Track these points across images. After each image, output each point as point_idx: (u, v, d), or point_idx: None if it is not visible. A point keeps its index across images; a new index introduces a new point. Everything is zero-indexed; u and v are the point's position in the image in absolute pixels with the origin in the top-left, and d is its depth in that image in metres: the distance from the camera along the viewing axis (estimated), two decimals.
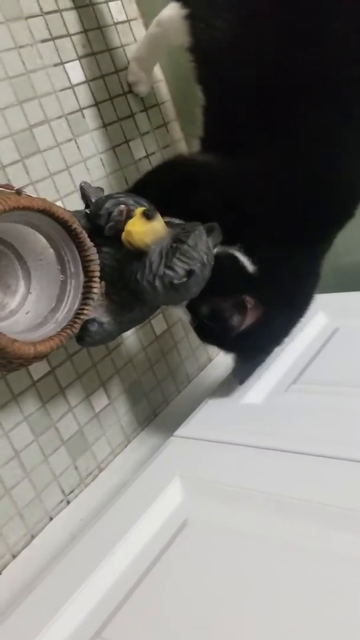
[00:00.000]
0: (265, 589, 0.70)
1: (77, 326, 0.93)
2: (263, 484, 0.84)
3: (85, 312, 0.95)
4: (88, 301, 0.96)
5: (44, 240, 0.96)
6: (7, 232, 0.93)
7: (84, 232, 0.93)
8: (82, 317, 0.94)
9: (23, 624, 0.74)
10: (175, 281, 0.90)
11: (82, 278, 0.96)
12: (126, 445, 1.27)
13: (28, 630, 0.72)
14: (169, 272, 0.89)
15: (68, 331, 0.92)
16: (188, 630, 0.68)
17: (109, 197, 1.01)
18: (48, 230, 0.93)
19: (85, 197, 1.08)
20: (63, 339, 0.91)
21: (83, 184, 1.08)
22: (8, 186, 0.92)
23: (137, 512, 0.85)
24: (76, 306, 0.95)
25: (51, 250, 0.97)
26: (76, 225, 0.91)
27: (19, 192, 0.88)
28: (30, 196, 0.87)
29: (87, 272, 0.95)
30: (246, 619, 0.67)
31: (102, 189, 1.16)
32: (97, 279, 0.95)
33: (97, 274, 0.95)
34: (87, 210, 1.04)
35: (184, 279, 0.90)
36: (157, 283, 0.91)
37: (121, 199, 0.99)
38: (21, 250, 0.96)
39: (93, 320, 0.96)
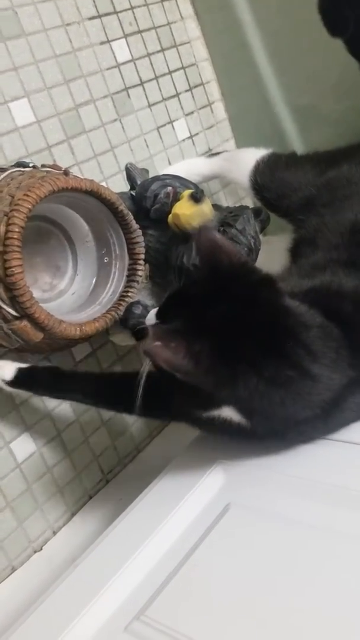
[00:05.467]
0: (307, 575, 0.69)
1: (122, 308, 0.93)
2: (305, 471, 0.83)
3: (129, 294, 0.95)
4: (132, 284, 0.96)
5: (86, 224, 0.96)
6: (56, 213, 0.94)
7: (130, 214, 0.92)
8: (126, 299, 0.94)
9: (66, 600, 0.75)
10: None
11: (127, 260, 0.96)
12: (164, 428, 1.27)
13: (71, 608, 0.73)
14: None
15: (113, 313, 0.93)
16: (230, 613, 0.68)
17: (155, 178, 1.00)
18: (94, 212, 0.93)
19: (130, 178, 1.07)
20: (108, 321, 0.91)
21: (129, 165, 1.07)
22: (55, 167, 0.93)
23: (179, 494, 0.85)
24: (121, 288, 0.96)
25: (95, 233, 0.98)
26: (123, 207, 0.91)
27: (66, 172, 0.88)
28: (78, 177, 0.87)
29: (132, 254, 0.95)
30: (288, 604, 0.67)
31: (147, 170, 1.15)
32: (142, 262, 0.95)
33: (142, 256, 0.95)
34: (133, 192, 1.03)
35: None
36: None
37: (167, 181, 0.99)
38: (70, 232, 0.97)
39: (137, 302, 0.96)
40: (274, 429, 0.79)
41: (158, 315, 0.77)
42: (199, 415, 0.80)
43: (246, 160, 1.14)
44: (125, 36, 1.22)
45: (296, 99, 1.34)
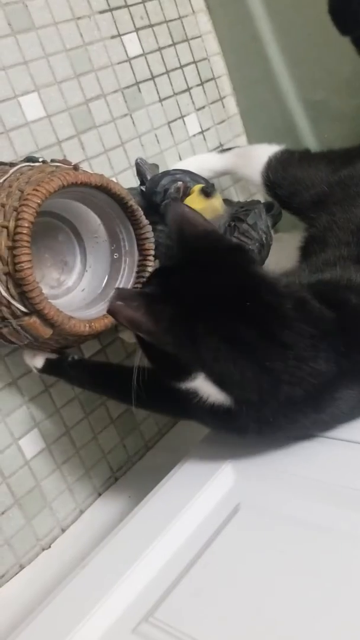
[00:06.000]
0: (319, 578, 0.68)
1: None
2: (316, 472, 0.82)
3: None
4: (142, 280, 0.95)
5: (98, 218, 0.95)
6: (65, 209, 0.93)
7: (139, 209, 0.91)
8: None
9: (73, 601, 0.74)
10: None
11: (136, 256, 0.95)
12: (173, 426, 1.26)
13: (78, 608, 0.72)
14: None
15: None
16: (240, 616, 0.67)
17: (165, 173, 0.99)
18: (104, 207, 0.92)
19: (140, 173, 1.06)
20: None
21: (139, 160, 1.06)
22: (65, 162, 0.92)
23: (188, 494, 0.84)
24: (130, 285, 0.95)
25: (105, 228, 0.97)
26: (132, 202, 0.90)
27: (76, 167, 0.87)
28: (87, 172, 0.86)
29: (142, 250, 0.94)
30: (299, 607, 0.66)
31: (157, 165, 1.14)
32: (151, 258, 0.94)
33: (152, 252, 0.94)
34: (143, 188, 1.02)
35: None
36: None
37: (178, 176, 0.98)
38: (79, 228, 0.96)
39: None
40: (256, 408, 0.76)
41: (142, 286, 0.79)
42: (177, 386, 0.78)
43: (258, 156, 1.12)
44: (137, 30, 1.21)
45: (308, 93, 1.33)
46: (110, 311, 0.71)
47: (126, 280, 0.95)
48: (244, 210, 0.88)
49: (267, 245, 0.88)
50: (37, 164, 0.89)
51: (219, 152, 1.27)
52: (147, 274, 0.95)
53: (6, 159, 0.98)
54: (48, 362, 0.95)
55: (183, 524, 0.80)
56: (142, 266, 0.95)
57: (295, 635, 0.63)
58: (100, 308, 0.94)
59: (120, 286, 0.95)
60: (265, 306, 0.74)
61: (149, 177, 1.03)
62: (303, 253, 1.00)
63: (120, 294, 0.72)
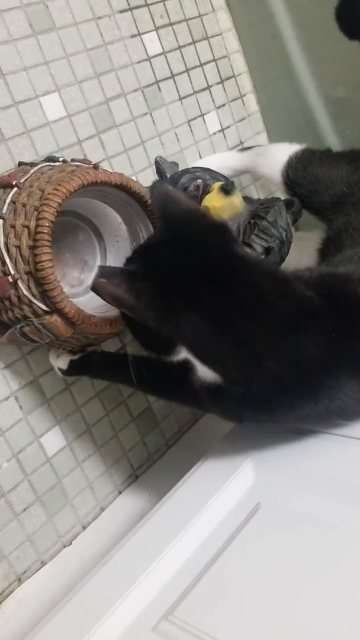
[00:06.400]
0: (339, 579, 0.68)
1: None
2: (338, 472, 0.81)
3: None
4: None
5: (119, 217, 0.96)
6: (85, 208, 0.93)
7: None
8: None
9: (94, 598, 0.74)
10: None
11: None
12: (194, 424, 1.26)
13: (99, 606, 0.72)
14: (246, 249, 0.87)
15: None
16: (260, 615, 0.67)
17: (184, 171, 0.99)
18: (124, 206, 0.93)
19: (160, 172, 1.06)
20: None
21: (158, 159, 1.06)
22: (85, 161, 0.92)
23: (208, 492, 0.84)
24: None
25: (125, 227, 0.97)
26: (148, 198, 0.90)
27: (96, 166, 0.88)
28: (107, 171, 0.86)
29: None
30: (319, 608, 0.65)
31: (176, 164, 1.14)
32: None
33: None
34: None
35: (262, 257, 0.87)
36: None
37: (197, 174, 0.98)
38: (99, 227, 0.96)
39: None
40: (243, 385, 0.76)
41: (124, 264, 0.80)
42: (164, 354, 0.80)
43: (279, 155, 1.12)
44: (156, 29, 1.21)
45: (330, 90, 1.31)
46: (94, 288, 0.73)
47: None
48: (264, 208, 0.87)
49: (287, 242, 0.88)
50: (57, 163, 0.89)
51: (239, 151, 1.27)
52: None
53: (27, 158, 0.99)
54: (72, 363, 0.95)
55: (203, 523, 0.80)
56: None
57: (314, 634, 0.63)
58: None
59: None
60: (244, 283, 0.74)
61: (168, 176, 1.03)
62: (321, 255, 1.00)
63: (103, 271, 0.74)
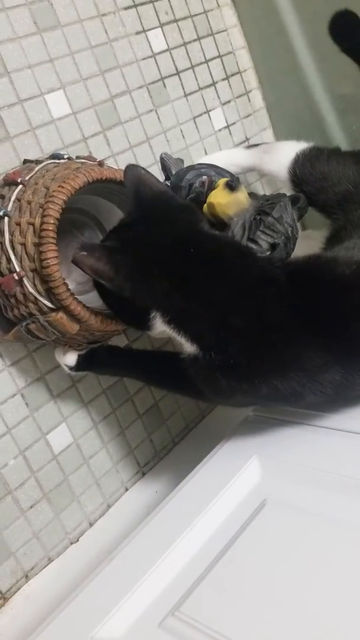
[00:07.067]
0: (347, 575, 0.68)
1: None
2: (344, 468, 0.81)
3: None
4: None
5: (123, 213, 0.96)
6: (91, 205, 0.93)
7: None
8: None
9: (101, 594, 0.75)
10: (259, 255, 0.87)
11: None
12: (200, 421, 1.26)
13: (105, 601, 0.73)
14: (252, 245, 0.87)
15: None
16: (266, 611, 0.67)
17: (190, 168, 0.99)
18: (128, 202, 0.92)
19: (165, 168, 1.06)
20: None
21: (163, 155, 1.06)
22: (90, 158, 0.92)
23: (215, 489, 0.84)
24: None
25: None
26: None
27: (101, 163, 0.88)
28: (112, 168, 0.86)
29: None
30: (325, 604, 0.65)
31: (182, 160, 1.13)
32: None
33: None
34: (168, 183, 1.02)
35: (267, 253, 0.87)
36: None
37: (203, 170, 0.97)
38: (104, 223, 0.96)
39: None
40: (217, 349, 0.80)
41: (101, 241, 0.87)
42: (140, 327, 0.85)
43: (286, 152, 1.12)
44: (161, 25, 1.21)
45: (336, 86, 1.31)
46: (74, 260, 0.78)
47: None
48: (269, 204, 0.87)
49: (293, 238, 0.88)
50: (62, 161, 0.89)
51: (245, 148, 1.26)
52: None
53: (33, 156, 0.99)
54: (80, 358, 0.96)
55: (209, 519, 0.80)
56: None
57: (321, 629, 0.63)
58: None
59: None
60: (208, 251, 0.81)
61: (174, 172, 1.02)
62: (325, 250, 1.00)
63: (84, 246, 0.78)
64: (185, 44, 1.25)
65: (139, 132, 1.16)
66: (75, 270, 0.97)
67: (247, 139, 1.38)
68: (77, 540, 1.07)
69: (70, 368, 0.96)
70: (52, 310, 0.83)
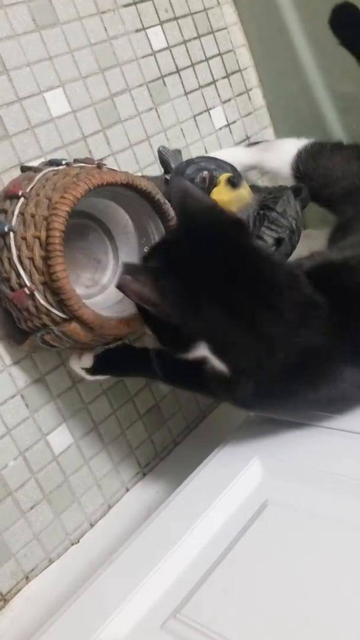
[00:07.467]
0: (349, 577, 0.67)
1: None
2: (346, 469, 0.80)
3: None
4: None
5: (125, 214, 0.95)
6: (94, 207, 0.93)
7: (166, 202, 0.91)
8: None
9: (102, 596, 0.74)
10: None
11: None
12: (201, 421, 1.26)
13: (107, 603, 0.72)
14: (257, 241, 0.86)
15: None
16: (268, 613, 0.66)
17: (189, 162, 0.98)
18: (131, 202, 0.92)
19: (163, 162, 1.04)
20: None
21: (161, 149, 1.05)
22: (89, 160, 0.91)
23: (216, 490, 0.84)
24: None
25: (132, 223, 0.96)
26: (159, 196, 0.89)
27: (99, 166, 0.87)
28: (112, 170, 0.85)
29: None
30: (328, 605, 0.65)
31: (179, 151, 1.12)
32: None
33: None
34: (167, 176, 1.01)
35: (273, 248, 0.87)
36: None
37: (202, 164, 0.97)
38: (108, 224, 0.96)
39: None
40: (253, 375, 0.79)
41: (142, 260, 0.83)
42: (180, 357, 0.81)
43: (287, 148, 1.12)
44: (161, 23, 1.20)
45: (337, 84, 1.30)
46: (119, 286, 0.75)
47: None
48: (272, 198, 0.86)
49: (297, 230, 0.87)
50: (61, 167, 0.88)
51: (247, 146, 1.26)
52: None
53: (32, 154, 0.99)
54: (96, 359, 0.95)
55: (211, 520, 0.80)
56: None
57: (323, 631, 0.62)
58: None
59: None
60: (261, 277, 0.77)
61: (172, 165, 1.01)
62: (329, 245, 1.00)
63: (128, 269, 0.75)
64: (185, 41, 1.24)
65: (139, 130, 1.16)
66: (83, 275, 0.97)
67: (248, 138, 1.38)
68: (78, 541, 1.06)
69: (88, 371, 0.95)
70: (65, 320, 0.83)
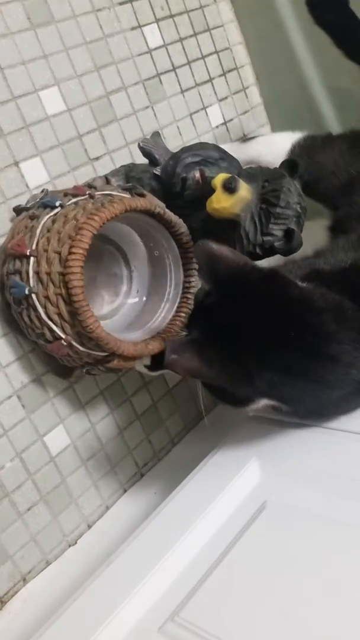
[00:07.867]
0: (348, 578, 0.67)
1: (191, 301, 0.92)
2: (344, 469, 0.80)
3: (192, 283, 0.94)
4: (191, 272, 0.94)
5: (127, 225, 0.96)
6: (107, 229, 0.92)
7: (166, 211, 0.91)
8: (191, 290, 0.93)
9: (99, 599, 0.74)
10: (276, 244, 0.87)
11: (177, 251, 0.94)
12: (199, 421, 1.25)
13: (104, 606, 0.72)
14: (267, 238, 0.87)
15: (184, 310, 0.93)
16: (267, 616, 0.66)
17: (176, 159, 0.97)
18: (138, 223, 0.93)
19: (147, 154, 1.01)
20: (179, 323, 0.92)
21: (141, 144, 1.02)
22: (79, 189, 0.91)
23: (214, 491, 0.83)
24: (181, 279, 0.94)
25: (137, 232, 0.97)
26: (158, 209, 0.89)
27: (92, 196, 0.87)
28: (111, 203, 0.84)
29: (180, 245, 0.94)
30: (327, 607, 0.64)
31: (158, 133, 1.10)
32: (192, 249, 0.93)
33: (191, 243, 0.93)
34: (155, 171, 0.99)
35: (284, 239, 0.87)
36: (259, 250, 0.88)
37: (189, 160, 0.95)
38: (113, 237, 0.97)
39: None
40: (311, 409, 0.84)
41: (186, 329, 0.86)
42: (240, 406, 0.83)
43: (281, 143, 1.11)
44: (157, 21, 1.19)
45: (334, 81, 1.30)
46: (168, 365, 0.75)
47: (176, 275, 0.95)
48: (272, 191, 0.85)
49: (303, 211, 0.87)
50: (57, 210, 0.87)
51: (241, 142, 1.25)
52: (194, 265, 0.93)
53: (27, 154, 0.98)
54: (152, 358, 0.94)
55: (209, 522, 0.79)
56: (185, 259, 0.94)
57: (322, 633, 0.62)
58: (164, 311, 0.95)
59: (173, 281, 0.95)
60: (308, 327, 0.77)
61: (156, 155, 0.99)
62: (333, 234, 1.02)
63: (172, 348, 0.75)
64: (181, 39, 1.24)
65: (135, 128, 1.15)
66: (106, 293, 1.00)
67: (245, 136, 1.37)
68: (75, 543, 1.05)
69: (150, 368, 0.95)
70: (106, 357, 0.85)
